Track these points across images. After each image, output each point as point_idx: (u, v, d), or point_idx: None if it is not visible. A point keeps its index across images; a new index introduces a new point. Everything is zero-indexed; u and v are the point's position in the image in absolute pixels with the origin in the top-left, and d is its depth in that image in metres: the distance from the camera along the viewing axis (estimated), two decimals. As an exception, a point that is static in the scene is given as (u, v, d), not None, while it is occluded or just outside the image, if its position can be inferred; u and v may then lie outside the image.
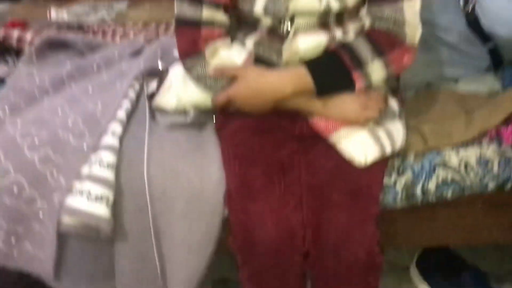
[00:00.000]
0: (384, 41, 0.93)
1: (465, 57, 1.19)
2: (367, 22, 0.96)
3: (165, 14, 1.75)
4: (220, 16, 0.95)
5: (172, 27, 1.53)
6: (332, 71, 0.93)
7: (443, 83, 1.19)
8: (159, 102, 1.03)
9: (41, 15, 1.78)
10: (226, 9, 0.95)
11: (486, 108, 1.06)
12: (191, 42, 0.95)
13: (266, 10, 0.91)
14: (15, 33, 1.24)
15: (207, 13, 0.93)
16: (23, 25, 1.51)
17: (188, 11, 0.93)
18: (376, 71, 0.92)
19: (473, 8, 1.19)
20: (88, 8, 1.86)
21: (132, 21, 1.65)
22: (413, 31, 0.94)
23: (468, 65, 1.20)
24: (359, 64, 0.91)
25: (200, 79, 0.96)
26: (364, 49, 0.92)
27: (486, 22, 1.15)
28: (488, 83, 1.18)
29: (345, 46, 0.93)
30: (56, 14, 1.57)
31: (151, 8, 1.86)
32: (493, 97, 1.12)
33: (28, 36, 1.24)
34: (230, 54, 0.96)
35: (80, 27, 1.43)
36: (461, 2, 1.21)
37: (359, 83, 0.92)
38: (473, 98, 1.13)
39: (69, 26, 1.41)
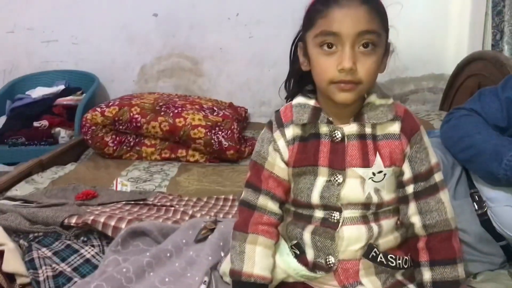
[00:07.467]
0: (445, 249, 1.10)
1: (482, 255, 1.37)
2: (415, 220, 1.11)
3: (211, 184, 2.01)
4: (272, 205, 1.13)
5: (221, 201, 1.78)
6: None
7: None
8: (222, 269, 1.22)
9: (103, 179, 2.03)
10: (281, 203, 1.15)
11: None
12: (243, 221, 1.14)
13: (321, 199, 1.10)
14: (101, 219, 1.45)
15: (262, 200, 1.13)
16: (94, 194, 1.76)
17: (249, 196, 1.14)
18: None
19: (486, 211, 1.40)
20: (144, 172, 2.12)
21: (184, 190, 1.90)
22: (452, 215, 1.11)
23: (484, 263, 1.37)
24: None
25: (233, 249, 1.13)
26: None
27: (498, 227, 1.36)
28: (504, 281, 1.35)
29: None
30: (120, 186, 1.83)
31: (198, 174, 2.13)
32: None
33: (112, 222, 1.44)
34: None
35: (145, 204, 1.67)
36: (475, 206, 1.41)
37: None
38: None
39: (136, 203, 1.65)
